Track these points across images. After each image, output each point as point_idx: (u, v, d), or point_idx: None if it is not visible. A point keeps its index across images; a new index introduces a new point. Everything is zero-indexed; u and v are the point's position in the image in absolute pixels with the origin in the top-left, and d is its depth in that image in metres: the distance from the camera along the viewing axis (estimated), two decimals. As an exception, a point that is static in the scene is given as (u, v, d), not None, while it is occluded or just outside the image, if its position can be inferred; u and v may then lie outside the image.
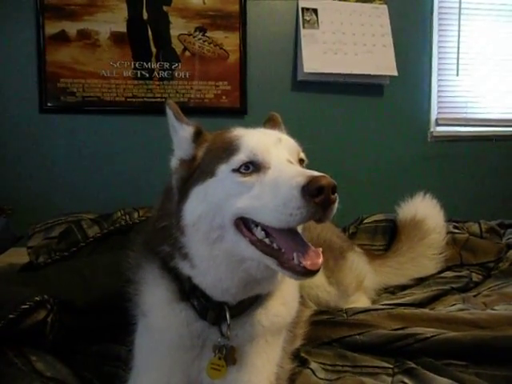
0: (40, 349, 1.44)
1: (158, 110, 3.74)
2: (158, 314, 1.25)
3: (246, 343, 1.25)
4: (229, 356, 1.21)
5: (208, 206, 1.12)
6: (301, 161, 1.21)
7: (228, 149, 1.15)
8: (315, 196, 0.96)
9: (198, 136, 1.26)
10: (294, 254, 1.03)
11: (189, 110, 3.63)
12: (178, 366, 1.24)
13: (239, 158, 1.11)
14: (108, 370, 1.48)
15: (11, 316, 1.36)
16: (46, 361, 1.38)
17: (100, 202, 3.30)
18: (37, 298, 1.44)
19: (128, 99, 3.67)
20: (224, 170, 1.13)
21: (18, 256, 2.40)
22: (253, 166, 1.10)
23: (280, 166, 1.08)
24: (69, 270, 1.82)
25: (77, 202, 3.47)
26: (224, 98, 3.77)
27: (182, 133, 1.27)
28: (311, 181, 0.97)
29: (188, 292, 1.22)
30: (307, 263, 1.02)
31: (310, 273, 1.03)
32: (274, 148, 1.14)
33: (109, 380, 1.42)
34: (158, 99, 3.67)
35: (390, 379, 1.40)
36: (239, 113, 3.78)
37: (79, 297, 1.65)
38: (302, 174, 1.00)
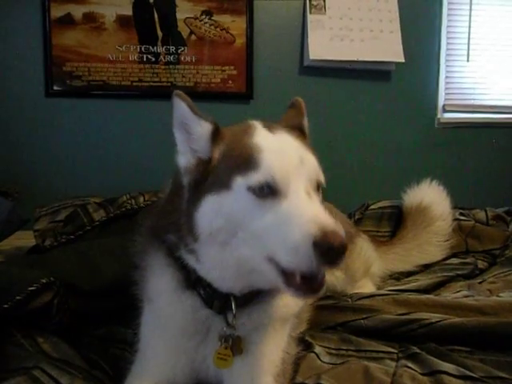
0: (46, 331, 1.46)
1: (164, 94, 3.74)
2: (164, 300, 1.24)
3: (252, 331, 1.24)
4: (235, 346, 1.20)
5: (227, 222, 1.08)
6: (318, 185, 1.14)
7: (246, 160, 1.08)
8: (325, 254, 0.94)
9: (215, 134, 1.16)
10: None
11: (195, 95, 3.61)
12: (182, 351, 1.24)
13: (257, 178, 1.04)
14: (114, 352, 1.49)
15: (18, 297, 1.37)
16: (52, 342, 1.40)
17: (105, 187, 3.29)
18: (43, 281, 1.44)
19: (134, 83, 3.66)
20: (240, 184, 1.06)
21: (25, 239, 2.43)
22: (269, 189, 1.04)
23: (296, 200, 1.04)
24: (75, 254, 1.83)
25: (82, 186, 3.48)
26: (230, 82, 3.75)
27: (198, 129, 1.16)
28: (324, 238, 0.94)
29: (194, 281, 1.20)
30: (312, 288, 1.02)
31: (312, 294, 1.05)
32: (295, 173, 1.07)
33: (115, 362, 1.43)
34: (164, 83, 3.65)
35: (394, 364, 1.40)
36: (245, 98, 3.77)
37: (85, 280, 1.66)
38: (315, 221, 0.97)
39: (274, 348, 1.26)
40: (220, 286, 1.17)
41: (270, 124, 1.20)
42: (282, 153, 1.09)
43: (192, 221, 1.12)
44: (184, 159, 1.19)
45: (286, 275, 1.02)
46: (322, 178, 1.14)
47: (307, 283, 1.00)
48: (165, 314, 1.25)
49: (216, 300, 1.19)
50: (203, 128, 1.16)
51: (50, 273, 1.51)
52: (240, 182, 1.06)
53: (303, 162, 1.10)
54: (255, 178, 1.05)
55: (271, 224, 1.02)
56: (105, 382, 1.31)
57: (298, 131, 1.27)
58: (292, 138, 1.17)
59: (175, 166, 1.23)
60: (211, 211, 1.09)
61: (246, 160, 1.08)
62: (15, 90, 3.56)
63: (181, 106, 1.17)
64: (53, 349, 1.37)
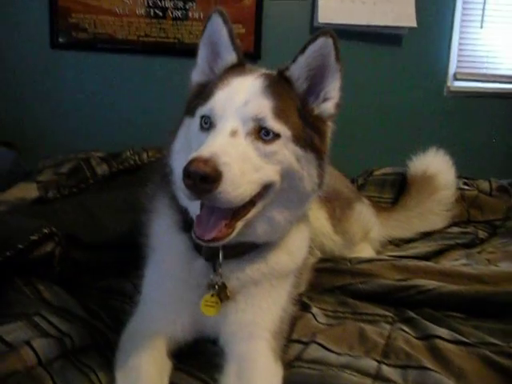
0: (48, 280, 1.48)
1: (170, 50, 3.69)
2: (162, 240, 1.30)
3: (249, 285, 1.26)
4: (221, 292, 1.22)
5: (184, 144, 1.22)
6: (266, 132, 1.11)
7: (209, 92, 1.18)
8: (190, 184, 0.97)
9: (233, 67, 1.26)
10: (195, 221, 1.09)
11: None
12: (183, 302, 1.26)
13: (203, 110, 1.16)
14: (113, 304, 1.51)
15: (20, 246, 1.38)
16: (53, 291, 1.42)
17: (109, 142, 3.25)
18: (45, 231, 1.46)
19: (140, 38, 3.59)
20: (198, 112, 1.18)
21: (27, 190, 2.42)
22: (208, 122, 1.13)
23: (213, 135, 1.09)
24: (77, 206, 1.84)
25: (85, 140, 3.48)
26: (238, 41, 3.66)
27: (228, 57, 1.27)
28: (186, 166, 0.97)
29: (189, 224, 1.22)
30: (198, 232, 1.06)
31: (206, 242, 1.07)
32: (232, 112, 1.10)
33: (114, 313, 1.45)
34: (171, 39, 3.57)
35: (389, 327, 1.42)
36: (252, 57, 3.68)
37: (86, 233, 1.68)
38: (197, 152, 1.01)
39: (272, 304, 1.28)
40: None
41: (256, 69, 1.28)
42: (229, 92, 1.15)
43: (174, 140, 1.27)
44: (198, 75, 1.31)
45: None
46: (268, 124, 1.11)
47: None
48: (164, 259, 1.29)
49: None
50: (228, 58, 1.27)
51: (53, 224, 1.51)
52: (198, 111, 1.17)
53: (248, 104, 1.11)
54: (203, 109, 1.15)
55: None
56: (104, 332, 1.33)
57: (284, 80, 1.23)
58: (259, 83, 1.17)
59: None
60: (182, 132, 1.24)
61: (208, 92, 1.18)
62: (21, 40, 3.52)
63: (220, 28, 1.28)
64: (53, 297, 1.39)
